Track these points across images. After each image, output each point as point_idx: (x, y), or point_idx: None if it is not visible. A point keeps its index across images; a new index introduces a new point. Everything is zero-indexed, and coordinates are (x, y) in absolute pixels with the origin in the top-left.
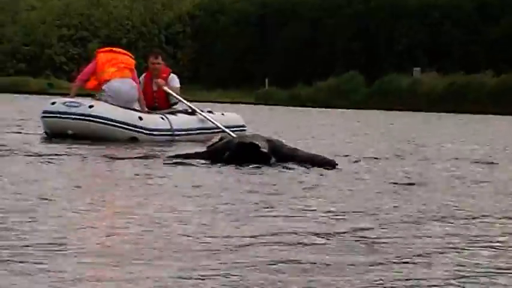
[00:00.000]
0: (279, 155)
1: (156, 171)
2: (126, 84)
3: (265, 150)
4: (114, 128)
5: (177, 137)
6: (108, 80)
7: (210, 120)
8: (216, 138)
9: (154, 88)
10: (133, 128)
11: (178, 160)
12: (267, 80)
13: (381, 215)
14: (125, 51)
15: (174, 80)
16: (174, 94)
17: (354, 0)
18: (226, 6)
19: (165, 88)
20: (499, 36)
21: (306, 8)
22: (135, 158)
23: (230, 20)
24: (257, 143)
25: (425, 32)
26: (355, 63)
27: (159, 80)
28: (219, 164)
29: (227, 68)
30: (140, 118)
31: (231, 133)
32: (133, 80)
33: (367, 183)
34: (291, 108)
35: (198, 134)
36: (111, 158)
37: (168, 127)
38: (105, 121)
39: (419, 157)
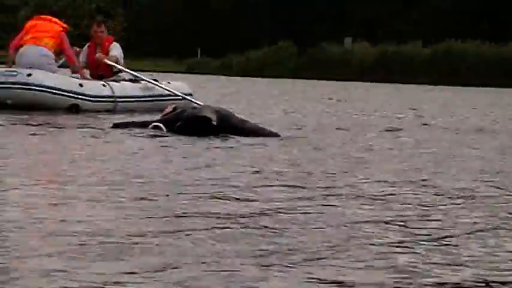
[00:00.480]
0: (228, 125)
1: (104, 137)
2: (32, 50)
3: (215, 123)
4: (54, 95)
5: (119, 104)
6: (21, 46)
7: (161, 87)
8: (170, 108)
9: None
10: (73, 95)
11: (129, 128)
12: (199, 50)
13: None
14: (53, 19)
15: (115, 48)
16: (114, 64)
17: None
18: None
19: (105, 60)
20: (429, 7)
21: None
22: (81, 127)
23: None
24: (209, 116)
25: (357, 2)
26: (287, 33)
27: (98, 55)
28: (169, 134)
29: (157, 38)
30: (81, 85)
31: (188, 98)
32: (62, 47)
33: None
34: (222, 77)
35: (141, 101)
36: (55, 127)
37: (110, 94)
38: (45, 89)
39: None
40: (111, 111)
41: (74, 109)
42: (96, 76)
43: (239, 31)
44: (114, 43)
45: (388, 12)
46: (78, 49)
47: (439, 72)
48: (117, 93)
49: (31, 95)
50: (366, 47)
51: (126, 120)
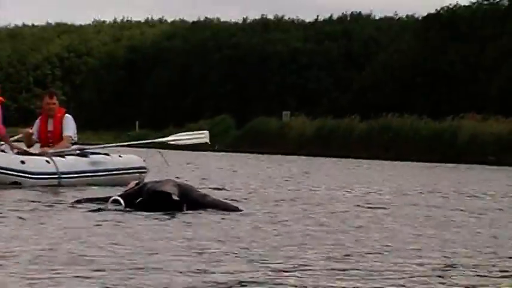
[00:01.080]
0: (189, 199)
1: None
2: None
3: (176, 198)
4: None
5: (64, 180)
6: None
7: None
8: (132, 183)
9: (49, 128)
10: (14, 173)
11: (89, 204)
12: (137, 123)
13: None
14: None
15: (68, 126)
16: (63, 149)
17: (222, 46)
18: (95, 49)
19: (52, 151)
20: (366, 83)
21: (174, 53)
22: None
23: (99, 62)
24: (169, 191)
25: (294, 77)
26: (225, 107)
27: (44, 149)
28: (129, 210)
29: (97, 110)
30: (22, 162)
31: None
32: None
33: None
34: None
35: (89, 177)
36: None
37: (54, 170)
38: None
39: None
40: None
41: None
42: (46, 146)
43: (180, 105)
44: (67, 115)
45: (327, 87)
46: (30, 130)
47: (376, 146)
48: (61, 169)
49: None
50: (304, 121)
51: (88, 197)
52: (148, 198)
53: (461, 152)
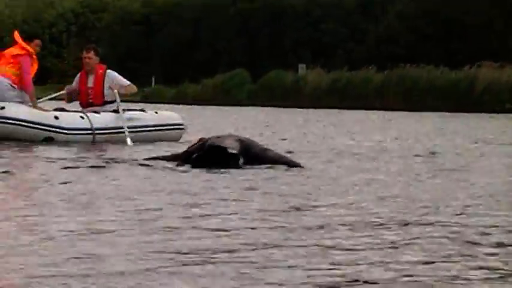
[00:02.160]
0: (250, 155)
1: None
2: None
3: (233, 151)
4: (27, 128)
5: (97, 136)
6: None
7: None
8: (197, 140)
9: (89, 84)
10: (48, 128)
11: (150, 163)
12: (153, 78)
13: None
14: (18, 41)
15: (117, 78)
16: (118, 98)
17: (237, 0)
18: (110, 4)
19: (116, 93)
20: (381, 33)
21: (188, 8)
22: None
23: (114, 18)
24: (228, 145)
25: (309, 30)
26: (240, 61)
27: (114, 89)
28: (184, 167)
29: (112, 66)
30: (56, 117)
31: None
32: (23, 69)
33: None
34: (179, 106)
35: (122, 133)
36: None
37: (88, 126)
38: (18, 122)
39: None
40: (92, 142)
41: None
42: (86, 104)
43: (194, 60)
44: (109, 71)
45: (343, 39)
46: (70, 86)
47: (393, 97)
48: (95, 125)
49: (5, 128)
50: (320, 74)
51: (155, 155)
52: (204, 154)
53: (478, 101)
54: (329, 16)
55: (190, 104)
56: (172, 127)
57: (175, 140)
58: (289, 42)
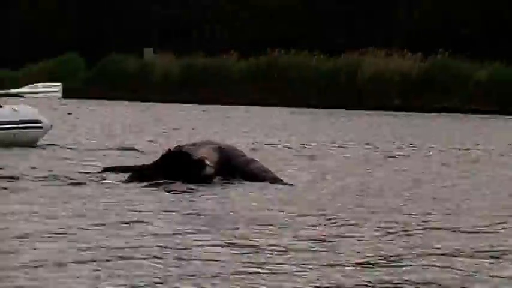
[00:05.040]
0: (230, 166)
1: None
2: None
3: (198, 157)
4: None
5: None
6: None
7: None
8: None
9: None
10: None
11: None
12: None
13: None
14: None
15: None
16: None
17: None
18: None
19: None
20: (245, 14)
21: None
22: None
23: None
24: (192, 152)
25: (157, 7)
26: (73, 43)
27: None
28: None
29: None
30: None
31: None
32: None
33: None
34: None
35: None
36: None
37: None
38: None
39: None
40: None
41: None
42: None
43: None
44: None
45: (198, 19)
46: None
47: (260, 89)
48: None
49: None
50: (170, 60)
51: (115, 165)
52: (163, 162)
53: (361, 94)
54: None
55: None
56: (30, 124)
57: (32, 142)
58: (134, 20)
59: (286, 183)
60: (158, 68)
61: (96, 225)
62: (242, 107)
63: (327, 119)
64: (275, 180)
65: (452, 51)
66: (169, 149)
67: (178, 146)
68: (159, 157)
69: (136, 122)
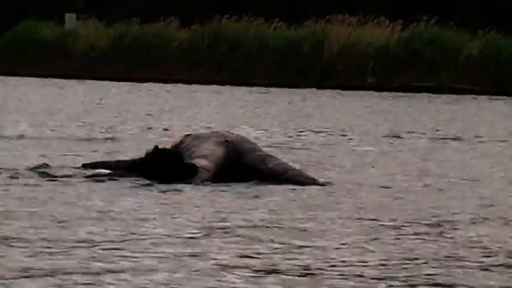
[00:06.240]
0: (239, 163)
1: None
2: None
3: (188, 161)
4: None
5: None
6: None
7: None
8: (178, 137)
9: None
10: None
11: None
12: None
13: None
14: None
15: None
16: None
17: None
18: None
19: None
20: None
21: None
22: None
23: None
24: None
25: None
26: None
27: None
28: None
29: None
30: None
31: None
32: None
33: None
34: None
35: None
36: None
37: None
38: None
39: None
40: None
41: None
42: None
43: None
44: None
45: None
46: None
47: (206, 64)
48: None
49: None
50: (97, 28)
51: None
52: (146, 161)
53: (328, 71)
54: None
55: None
56: None
57: None
58: None
59: (323, 184)
60: (82, 39)
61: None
62: (183, 86)
63: (286, 99)
64: (306, 180)
65: (438, 19)
66: (156, 147)
67: (184, 135)
68: (143, 154)
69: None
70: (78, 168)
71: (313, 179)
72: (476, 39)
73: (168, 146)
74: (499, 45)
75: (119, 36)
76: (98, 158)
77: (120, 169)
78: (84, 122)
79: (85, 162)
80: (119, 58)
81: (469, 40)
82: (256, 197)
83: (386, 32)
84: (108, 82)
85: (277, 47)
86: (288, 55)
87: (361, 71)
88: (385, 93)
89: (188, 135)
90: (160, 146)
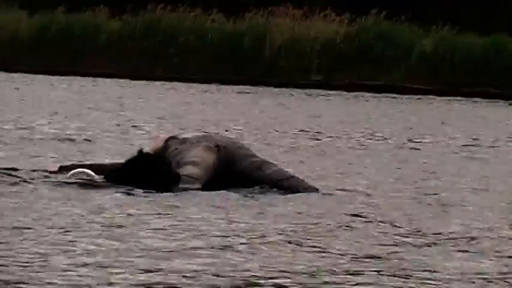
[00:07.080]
0: (232, 171)
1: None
2: None
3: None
4: None
5: None
6: None
7: None
8: (160, 139)
9: None
10: None
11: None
12: None
13: None
14: None
15: None
16: None
17: None
18: None
19: None
20: None
21: None
22: None
23: None
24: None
25: None
26: None
27: None
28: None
29: None
30: None
31: None
32: None
33: None
34: None
35: None
36: None
37: None
38: None
39: None
40: None
41: None
42: None
43: None
44: None
45: None
46: None
47: (138, 55)
48: None
49: None
50: (21, 17)
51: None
52: (126, 166)
53: (270, 68)
54: None
55: None
56: None
57: None
58: None
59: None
60: (3, 28)
61: None
62: (111, 81)
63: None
64: (306, 187)
65: (389, 12)
66: (141, 151)
67: (167, 137)
68: (127, 158)
69: None
70: None
71: (314, 187)
72: (430, 35)
73: (149, 150)
74: (454, 42)
75: (42, 26)
76: None
77: (98, 174)
78: None
79: None
80: (42, 51)
81: (422, 36)
82: (255, 206)
83: (333, 26)
84: (27, 75)
85: (215, 40)
86: (227, 49)
87: (306, 68)
88: (331, 91)
89: (172, 137)
90: (144, 150)
